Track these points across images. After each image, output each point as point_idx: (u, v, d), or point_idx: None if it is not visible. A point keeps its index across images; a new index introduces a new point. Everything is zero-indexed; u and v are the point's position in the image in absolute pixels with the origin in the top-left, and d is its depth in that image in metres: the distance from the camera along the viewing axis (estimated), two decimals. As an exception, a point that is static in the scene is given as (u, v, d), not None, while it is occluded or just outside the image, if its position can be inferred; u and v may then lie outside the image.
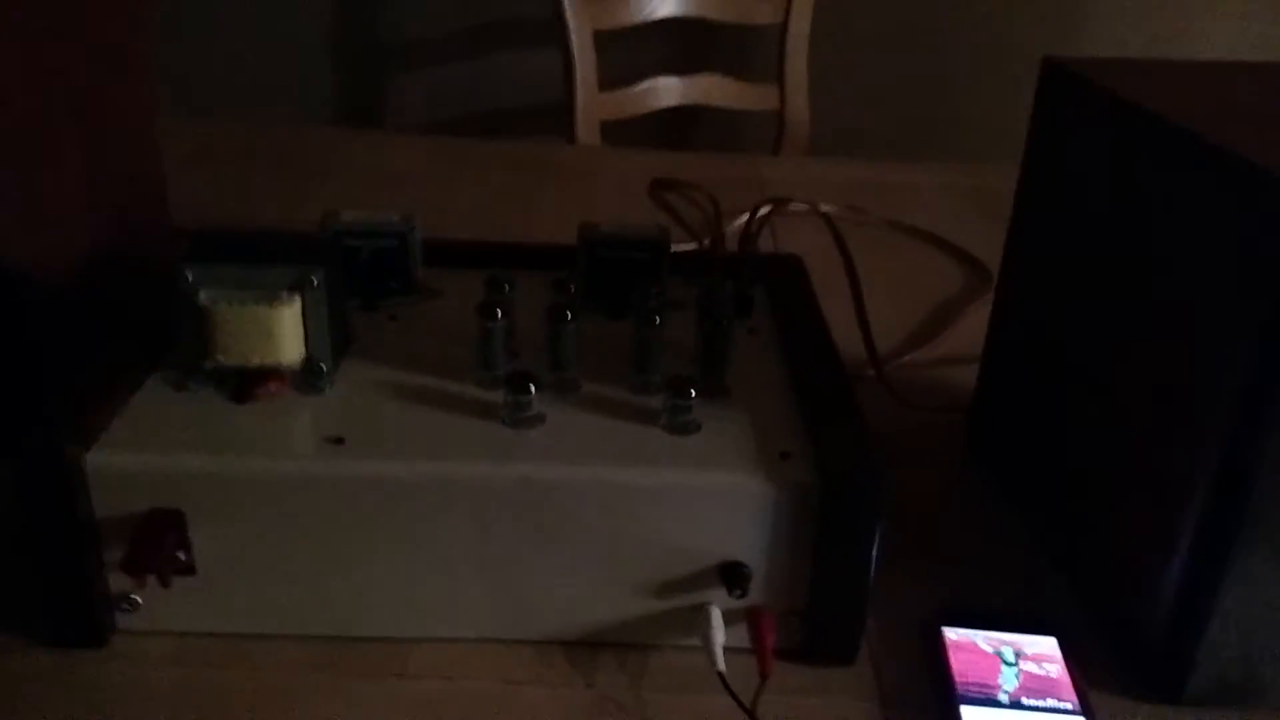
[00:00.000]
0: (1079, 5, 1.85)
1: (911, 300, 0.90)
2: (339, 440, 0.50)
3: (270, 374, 0.53)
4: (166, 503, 0.48)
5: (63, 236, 0.65)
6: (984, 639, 0.52)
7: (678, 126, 1.84)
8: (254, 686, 0.50)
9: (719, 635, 0.50)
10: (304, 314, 0.53)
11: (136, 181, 0.75)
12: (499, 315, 0.54)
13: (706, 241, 0.79)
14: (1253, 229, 0.44)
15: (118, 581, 0.49)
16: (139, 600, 0.51)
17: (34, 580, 0.49)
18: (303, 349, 0.53)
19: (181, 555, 0.49)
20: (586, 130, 1.61)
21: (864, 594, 0.51)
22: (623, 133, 1.67)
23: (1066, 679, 0.50)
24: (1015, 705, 0.49)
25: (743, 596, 0.50)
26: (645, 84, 1.67)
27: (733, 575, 0.50)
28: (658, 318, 0.55)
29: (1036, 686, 0.50)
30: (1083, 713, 0.49)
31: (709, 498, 0.49)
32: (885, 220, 1.04)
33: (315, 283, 0.53)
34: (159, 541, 0.47)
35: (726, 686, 0.48)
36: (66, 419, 0.49)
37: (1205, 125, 0.48)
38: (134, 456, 0.48)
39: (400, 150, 1.20)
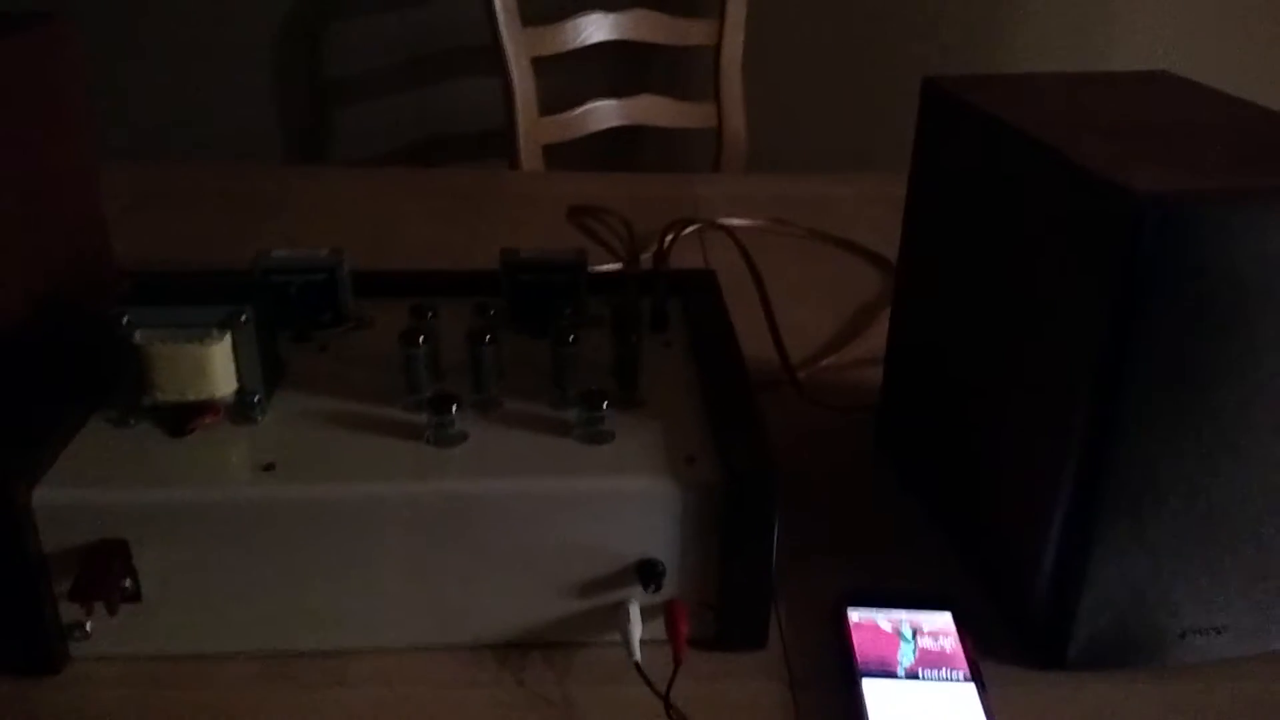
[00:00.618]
0: (1007, 20, 1.92)
1: (832, 306, 0.94)
2: (270, 467, 0.53)
3: (205, 407, 0.56)
4: (111, 534, 0.51)
5: (2, 283, 0.67)
6: (885, 618, 0.56)
7: (620, 147, 1.89)
8: (204, 703, 0.53)
9: (636, 629, 0.54)
10: (235, 349, 0.56)
11: (77, 229, 0.78)
12: (420, 341, 0.58)
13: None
14: (1094, 230, 0.48)
15: (68, 611, 0.52)
16: (90, 628, 0.53)
17: (-12, 614, 0.52)
18: (235, 382, 0.57)
19: (127, 583, 0.52)
20: (529, 154, 1.65)
21: (768, 583, 0.55)
22: (566, 155, 1.71)
23: (960, 651, 0.55)
24: (912, 676, 0.53)
25: (658, 591, 0.54)
26: (585, 107, 1.71)
27: (648, 572, 0.54)
28: (572, 335, 0.59)
29: (932, 659, 0.54)
30: (973, 679, 0.53)
31: (621, 501, 0.53)
32: (808, 231, 1.09)
33: (244, 319, 0.56)
34: (104, 571, 0.50)
35: (643, 675, 0.52)
36: (12, 458, 0.52)
37: (1052, 133, 0.53)
38: (78, 491, 0.51)
39: (346, 183, 1.23)
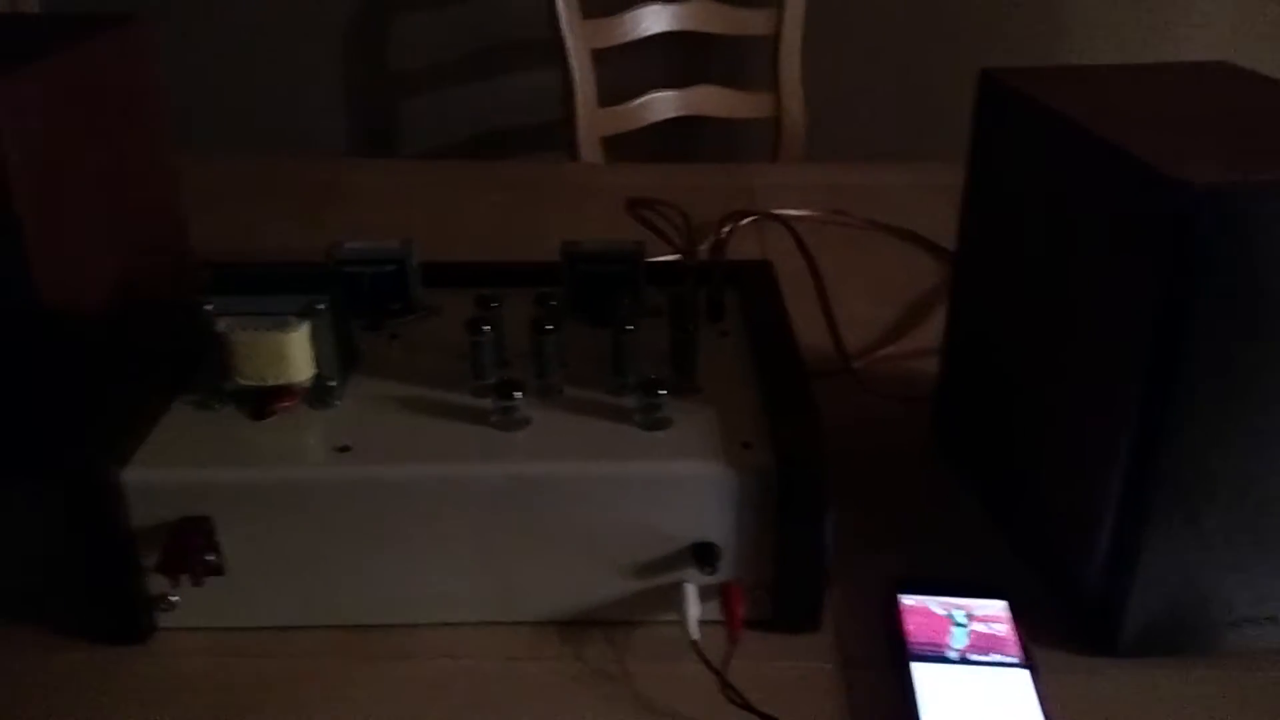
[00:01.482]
0: (1068, 11, 1.89)
1: (890, 297, 0.95)
2: (345, 449, 0.56)
3: (284, 392, 0.59)
4: (195, 511, 0.54)
5: (92, 276, 0.71)
6: (938, 603, 0.58)
7: (678, 138, 1.90)
8: (280, 672, 0.56)
9: (694, 609, 0.55)
10: (312, 337, 0.59)
11: (159, 221, 0.82)
12: (485, 330, 0.60)
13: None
14: (1149, 222, 0.49)
15: (155, 583, 0.56)
16: (175, 600, 0.57)
17: (82, 585, 0.56)
18: (313, 368, 0.59)
19: (211, 557, 0.55)
20: (589, 146, 1.68)
21: (822, 567, 0.56)
22: (624, 146, 1.73)
23: (1013, 636, 0.55)
24: (963, 660, 0.54)
25: (714, 573, 0.56)
26: (644, 98, 1.73)
27: (704, 554, 0.55)
28: (631, 325, 0.60)
29: (984, 644, 0.55)
30: (1025, 665, 0.54)
31: (678, 486, 0.55)
32: (867, 221, 1.09)
33: (321, 309, 0.59)
34: (190, 545, 0.53)
35: (700, 654, 0.54)
36: (103, 440, 0.55)
37: (1109, 126, 0.53)
38: (165, 471, 0.55)
39: (409, 175, 1.26)
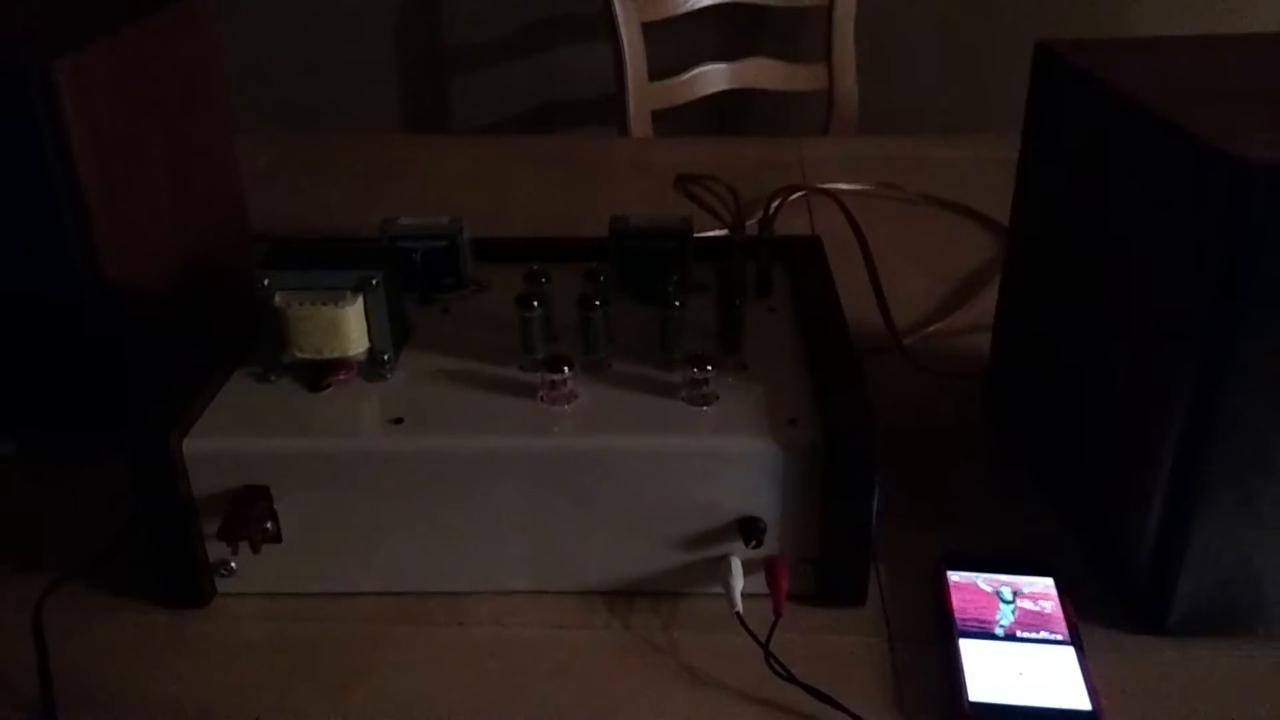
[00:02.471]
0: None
1: (942, 272, 0.94)
2: (398, 420, 0.57)
3: (339, 365, 0.60)
4: (254, 480, 0.56)
5: (153, 254, 0.73)
6: (985, 580, 0.58)
7: (729, 111, 1.89)
8: (336, 637, 0.57)
9: (738, 582, 0.56)
10: (366, 311, 0.60)
11: (218, 198, 0.84)
12: (535, 305, 0.60)
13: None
14: (1205, 196, 0.48)
15: (216, 550, 0.57)
16: (235, 566, 0.58)
17: (148, 551, 0.58)
18: (367, 341, 0.61)
19: (269, 525, 0.57)
20: (639, 120, 1.67)
21: (868, 542, 0.56)
22: (675, 120, 1.72)
23: (1060, 614, 0.55)
24: (1010, 637, 0.54)
25: (759, 547, 0.56)
26: (694, 71, 1.72)
27: (749, 529, 0.56)
28: (678, 301, 0.61)
29: (1031, 621, 0.55)
30: (1072, 643, 0.54)
31: (725, 461, 0.55)
32: (919, 195, 1.08)
33: (375, 283, 0.60)
34: (249, 513, 0.55)
35: (744, 625, 0.54)
36: (167, 412, 0.57)
37: (1167, 100, 0.52)
38: (224, 441, 0.56)
39: (461, 151, 1.27)
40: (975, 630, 0.54)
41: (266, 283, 0.59)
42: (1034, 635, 0.54)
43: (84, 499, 0.66)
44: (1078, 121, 0.60)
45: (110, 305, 0.67)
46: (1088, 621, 0.56)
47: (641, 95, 1.67)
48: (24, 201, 0.64)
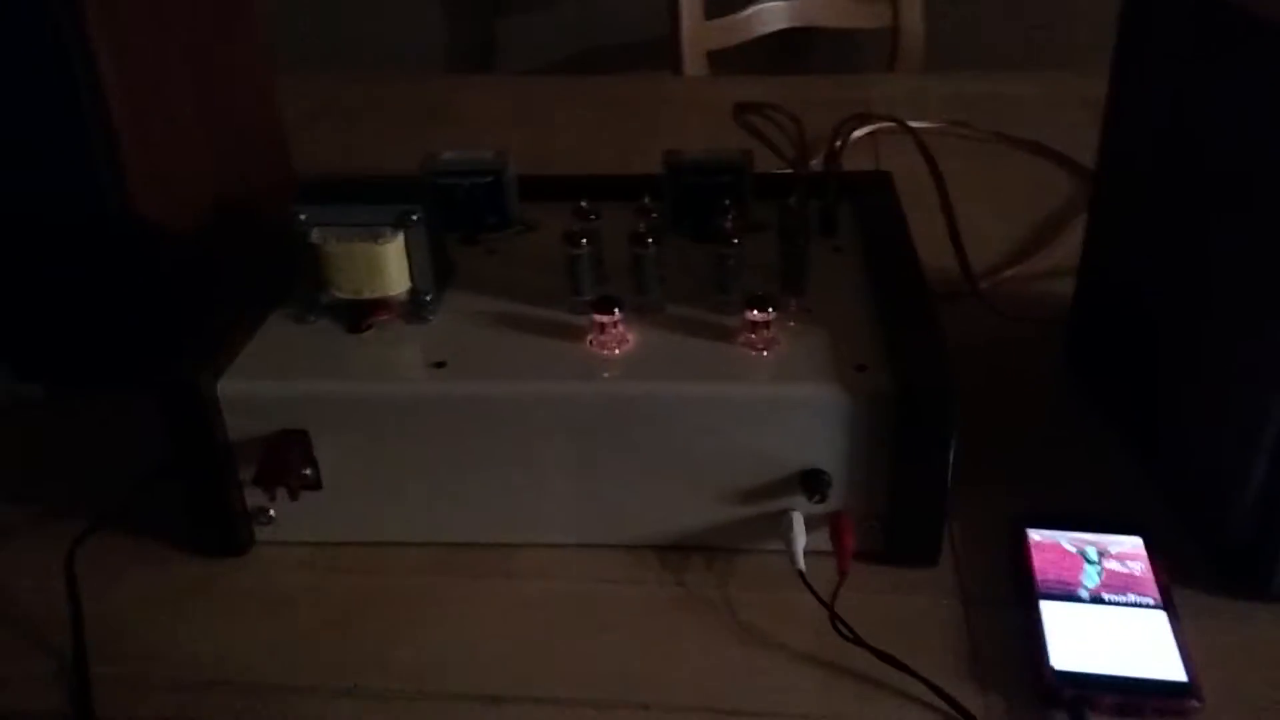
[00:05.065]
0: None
1: (1017, 213, 0.89)
2: (441, 364, 0.54)
3: (379, 305, 0.58)
4: (292, 424, 0.53)
5: (188, 189, 0.70)
6: (1068, 539, 0.53)
7: (789, 51, 1.82)
8: (377, 588, 0.55)
9: (800, 538, 0.52)
10: (407, 249, 0.57)
11: (256, 135, 0.81)
12: (583, 243, 0.57)
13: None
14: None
15: (253, 497, 0.55)
16: (273, 514, 0.56)
17: (183, 497, 0.55)
18: (408, 281, 0.58)
19: (308, 471, 0.54)
20: (694, 61, 1.62)
21: (943, 499, 0.52)
22: (731, 61, 1.66)
23: (1150, 576, 0.51)
24: (1096, 600, 0.50)
25: (822, 502, 0.52)
26: (753, 9, 1.66)
27: (813, 482, 0.52)
28: (735, 239, 0.57)
29: (1118, 583, 0.51)
30: (1164, 607, 0.49)
31: (786, 409, 0.52)
32: (991, 133, 1.02)
33: (416, 219, 0.56)
34: (286, 458, 0.53)
35: (806, 583, 0.51)
36: (200, 353, 0.54)
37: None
38: (260, 383, 0.54)
39: (508, 92, 1.24)
40: (1058, 593, 0.50)
41: (303, 218, 0.56)
42: (1122, 599, 0.50)
43: (117, 442, 0.64)
44: (1175, 43, 0.54)
45: (140, 235, 0.65)
46: (1180, 583, 0.51)
47: (696, 34, 1.62)
48: (49, 124, 0.61)
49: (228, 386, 0.53)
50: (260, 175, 0.80)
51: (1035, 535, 0.54)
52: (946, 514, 0.53)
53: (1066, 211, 0.89)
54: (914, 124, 1.02)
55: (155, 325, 0.67)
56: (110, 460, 0.62)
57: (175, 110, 0.69)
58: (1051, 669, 0.47)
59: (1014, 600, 0.51)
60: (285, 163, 0.85)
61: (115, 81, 0.61)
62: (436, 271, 0.58)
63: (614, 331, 0.55)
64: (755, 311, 0.54)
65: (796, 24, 1.69)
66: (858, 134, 0.93)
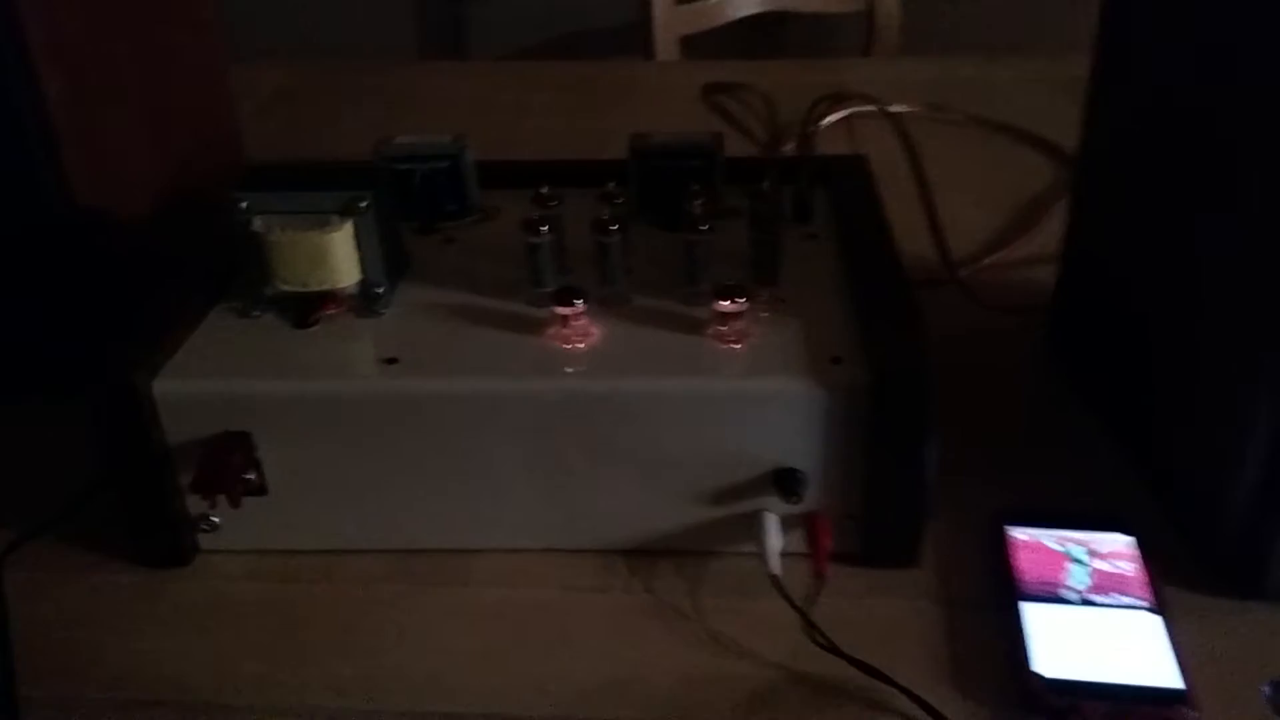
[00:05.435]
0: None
1: (997, 199, 0.86)
2: (392, 360, 0.51)
3: (328, 298, 0.54)
4: (233, 425, 0.50)
5: (131, 178, 0.67)
6: (1053, 537, 0.51)
7: (762, 35, 1.79)
8: (330, 598, 0.52)
9: (774, 541, 0.50)
10: (356, 237, 0.54)
11: (206, 124, 0.77)
12: (544, 231, 0.54)
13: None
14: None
15: (195, 504, 0.52)
16: (218, 521, 0.53)
17: (120, 504, 0.52)
18: (358, 273, 0.54)
19: (252, 476, 0.51)
20: (665, 47, 1.59)
21: (923, 497, 0.50)
22: (704, 46, 1.63)
23: (1142, 576, 0.49)
24: (1085, 603, 0.47)
25: (798, 502, 0.50)
26: (726, -7, 1.63)
27: (787, 481, 0.50)
28: (705, 225, 0.54)
29: (1108, 584, 0.48)
30: (1157, 609, 0.47)
31: (758, 404, 0.49)
32: (969, 117, 1.00)
33: (364, 206, 0.53)
34: (226, 462, 0.49)
35: (780, 589, 0.48)
36: (133, 350, 0.51)
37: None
38: (199, 382, 0.50)
39: (475, 78, 1.20)
40: (1043, 594, 0.48)
41: (244, 205, 0.53)
42: (1112, 600, 0.48)
43: (56, 449, 0.60)
44: (1162, 17, 0.52)
45: (82, 234, 0.61)
46: (1173, 583, 0.49)
47: (669, 18, 1.58)
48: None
49: (163, 386, 0.50)
50: (212, 167, 0.77)
51: (1017, 533, 0.51)
52: (927, 513, 0.51)
53: (1047, 196, 0.86)
54: (891, 108, 1.00)
55: (102, 327, 0.63)
56: (49, 467, 0.59)
57: (119, 99, 0.65)
58: (1036, 676, 0.44)
59: (996, 603, 0.49)
60: (237, 153, 0.82)
61: (52, 71, 0.58)
62: (389, 262, 0.55)
63: (577, 324, 0.52)
64: (726, 302, 0.51)
65: (770, 8, 1.66)
66: (832, 118, 0.90)
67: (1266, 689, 0.44)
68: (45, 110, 0.58)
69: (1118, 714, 0.43)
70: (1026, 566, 0.49)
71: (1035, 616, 0.47)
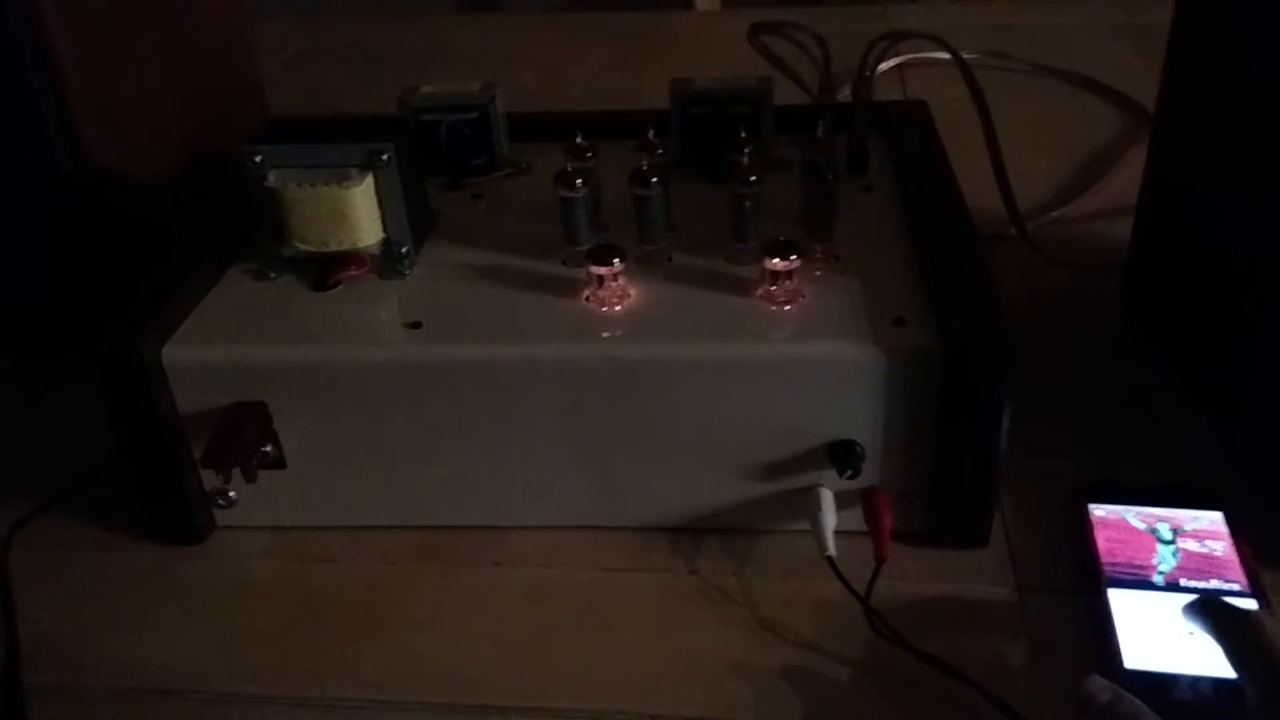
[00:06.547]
0: None
1: (1062, 150, 0.81)
2: (417, 325, 0.47)
3: (349, 259, 0.51)
4: (248, 395, 0.47)
5: (148, 137, 0.64)
6: (1136, 515, 0.46)
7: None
8: (349, 579, 0.49)
9: (829, 518, 0.46)
10: (378, 193, 0.50)
11: (227, 81, 0.74)
12: (578, 184, 0.50)
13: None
14: None
15: (210, 478, 0.49)
16: (234, 496, 0.50)
17: (132, 479, 0.49)
18: (380, 231, 0.51)
19: (269, 448, 0.48)
20: (707, -2, 1.53)
21: (994, 472, 0.46)
22: (746, -1, 1.57)
23: (1234, 557, 0.44)
24: (1172, 587, 0.43)
25: (855, 477, 0.46)
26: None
27: (843, 455, 0.46)
28: (753, 177, 0.49)
29: (1197, 566, 0.44)
30: (1251, 594, 0.43)
31: (812, 371, 0.45)
32: (1032, 65, 0.94)
33: (386, 158, 0.49)
34: (240, 435, 0.46)
35: (836, 571, 0.44)
36: (141, 315, 0.48)
37: None
38: (210, 349, 0.47)
39: (508, 31, 1.16)
40: (1128, 578, 0.44)
41: (258, 159, 0.50)
42: (1203, 584, 0.43)
43: (74, 418, 0.57)
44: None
45: (94, 195, 0.58)
46: (1271, 566, 0.44)
47: (710, -31, 1.52)
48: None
49: (173, 352, 0.47)
50: (233, 126, 0.73)
51: (1098, 510, 0.47)
52: (998, 488, 0.46)
53: (1114, 147, 0.81)
54: (948, 56, 0.94)
55: (110, 287, 0.60)
56: (66, 437, 0.56)
57: (133, 56, 0.62)
58: (1124, 669, 0.40)
59: (1076, 588, 0.45)
60: (261, 108, 0.78)
61: (63, 24, 0.55)
62: (413, 220, 0.52)
63: (614, 285, 0.48)
64: (776, 260, 0.46)
65: (816, -43, 1.59)
66: (891, 62, 0.84)
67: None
68: (52, 56, 0.55)
69: (1209, 710, 0.39)
70: (1109, 548, 0.45)
71: (1120, 603, 0.43)
